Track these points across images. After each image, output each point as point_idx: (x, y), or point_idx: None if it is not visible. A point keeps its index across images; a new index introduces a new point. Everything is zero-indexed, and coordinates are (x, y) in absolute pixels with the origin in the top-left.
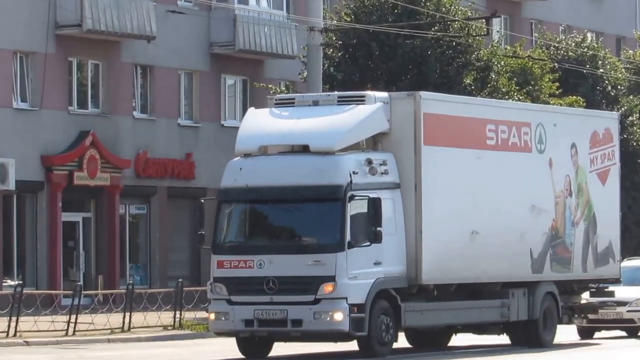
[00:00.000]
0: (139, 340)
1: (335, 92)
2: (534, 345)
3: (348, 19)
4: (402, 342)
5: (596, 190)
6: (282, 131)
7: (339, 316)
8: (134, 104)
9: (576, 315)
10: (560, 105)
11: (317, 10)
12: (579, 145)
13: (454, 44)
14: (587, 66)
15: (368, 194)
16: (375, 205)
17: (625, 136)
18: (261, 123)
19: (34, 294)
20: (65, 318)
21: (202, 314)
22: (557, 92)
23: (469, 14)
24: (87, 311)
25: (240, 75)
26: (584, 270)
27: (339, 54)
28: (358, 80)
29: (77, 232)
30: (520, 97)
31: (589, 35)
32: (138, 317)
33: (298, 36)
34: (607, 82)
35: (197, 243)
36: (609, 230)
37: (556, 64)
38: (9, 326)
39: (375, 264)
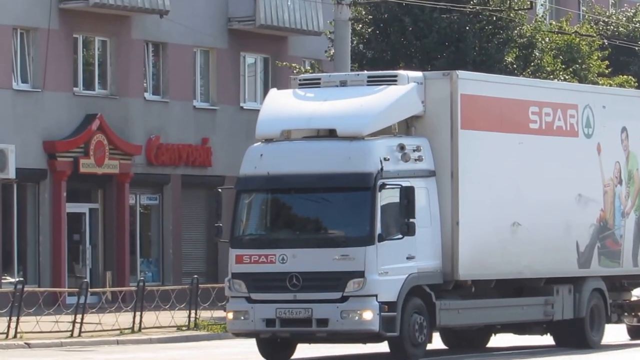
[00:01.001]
0: (150, 342)
1: (365, 72)
2: (580, 346)
3: None
4: (436, 343)
5: None
6: (306, 114)
7: (368, 315)
8: (145, 84)
9: (626, 314)
10: (610, 85)
11: None
12: (630, 129)
13: (495, 18)
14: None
15: (400, 183)
16: (408, 194)
17: None
18: (284, 105)
19: (36, 292)
20: (70, 318)
21: (219, 313)
22: (607, 72)
23: None
24: (93, 310)
25: (261, 54)
26: (634, 265)
27: (369, 30)
28: (390, 58)
29: (83, 225)
30: (566, 77)
31: None
32: (149, 317)
33: (324, 10)
34: None
35: (214, 236)
36: None
37: (605, 41)
38: (8, 327)
39: (407, 258)
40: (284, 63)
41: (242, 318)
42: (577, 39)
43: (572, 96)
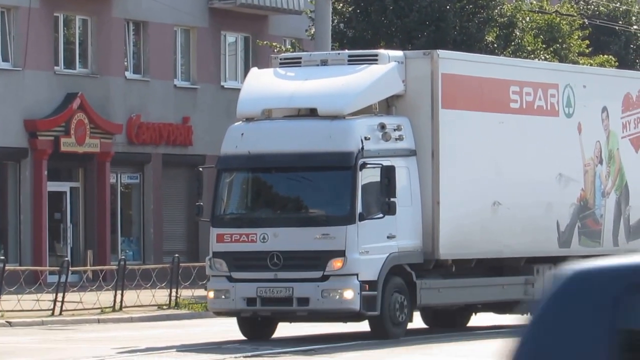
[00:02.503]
0: (131, 320)
1: (346, 51)
2: None
3: None
4: (417, 322)
5: (629, 158)
6: (287, 93)
7: (349, 294)
8: (125, 63)
9: None
10: (591, 65)
11: None
12: (610, 109)
13: None
14: (620, 22)
15: (381, 162)
16: (388, 173)
17: None
18: (265, 84)
19: (17, 271)
20: (51, 296)
21: (200, 292)
22: (587, 51)
23: None
24: (75, 289)
25: (241, 32)
26: (615, 245)
27: (350, 9)
28: (370, 37)
29: (64, 204)
30: (547, 56)
31: None
32: (130, 296)
33: None
34: None
35: (195, 215)
36: None
37: (586, 20)
38: None
39: (388, 237)
40: (265, 42)
41: (223, 297)
42: (558, 19)
43: (552, 76)
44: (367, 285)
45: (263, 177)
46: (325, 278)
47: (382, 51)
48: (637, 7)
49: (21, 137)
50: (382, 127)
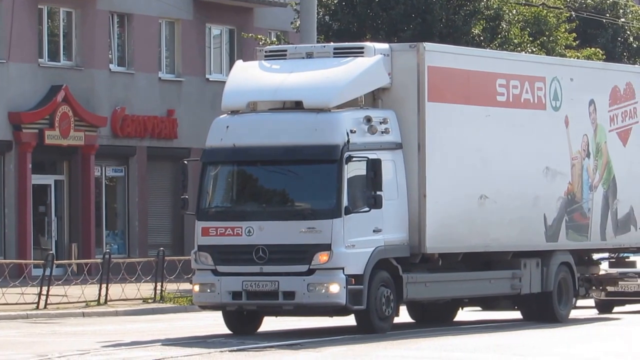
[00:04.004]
0: (116, 314)
1: (331, 44)
2: (548, 320)
3: None
4: (403, 316)
5: (616, 151)
6: (272, 86)
7: (335, 288)
8: (110, 56)
9: (594, 288)
10: (578, 58)
11: None
12: (597, 102)
13: None
14: (607, 15)
15: (367, 155)
16: (374, 167)
17: None
18: (250, 77)
19: (2, 264)
20: (35, 290)
21: (185, 286)
22: (574, 44)
23: None
24: (59, 282)
25: (226, 25)
26: (602, 239)
27: (335, 1)
28: (356, 30)
29: (49, 197)
30: (534, 49)
31: None
32: (115, 289)
33: None
34: (628, 32)
35: (180, 208)
36: (631, 194)
37: (573, 13)
38: None
39: (374, 231)
40: (250, 35)
41: (209, 290)
42: (545, 11)
43: (539, 68)
44: (353, 279)
45: (248, 170)
46: (311, 272)
47: (367, 44)
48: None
49: (5, 129)
50: (368, 120)
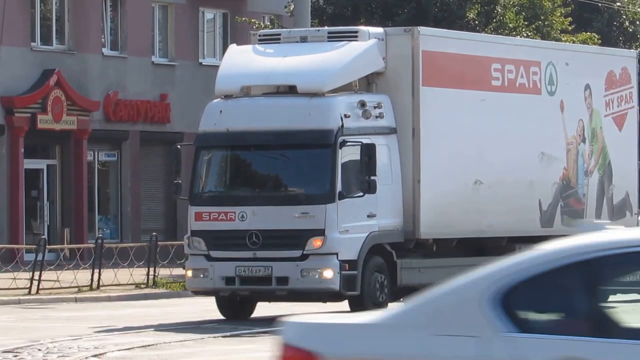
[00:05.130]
0: (109, 299)
1: (325, 28)
2: None
3: None
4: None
5: (612, 136)
6: (266, 70)
7: (328, 273)
8: (103, 40)
9: None
10: (573, 42)
11: None
12: (593, 87)
13: None
14: None
15: (361, 140)
16: (369, 151)
17: None
18: (243, 61)
19: None
20: (28, 275)
21: (178, 271)
22: (570, 28)
23: None
24: (52, 267)
25: (220, 9)
26: None
27: None
28: (350, 14)
29: (41, 181)
30: (529, 34)
31: None
32: (108, 274)
33: None
34: (624, 17)
35: (173, 193)
36: (626, 180)
37: None
38: None
39: (368, 216)
40: (244, 18)
41: (202, 276)
42: None
43: (534, 53)
44: (347, 265)
45: (242, 155)
46: (304, 257)
47: (362, 28)
48: None
49: None
50: (362, 104)
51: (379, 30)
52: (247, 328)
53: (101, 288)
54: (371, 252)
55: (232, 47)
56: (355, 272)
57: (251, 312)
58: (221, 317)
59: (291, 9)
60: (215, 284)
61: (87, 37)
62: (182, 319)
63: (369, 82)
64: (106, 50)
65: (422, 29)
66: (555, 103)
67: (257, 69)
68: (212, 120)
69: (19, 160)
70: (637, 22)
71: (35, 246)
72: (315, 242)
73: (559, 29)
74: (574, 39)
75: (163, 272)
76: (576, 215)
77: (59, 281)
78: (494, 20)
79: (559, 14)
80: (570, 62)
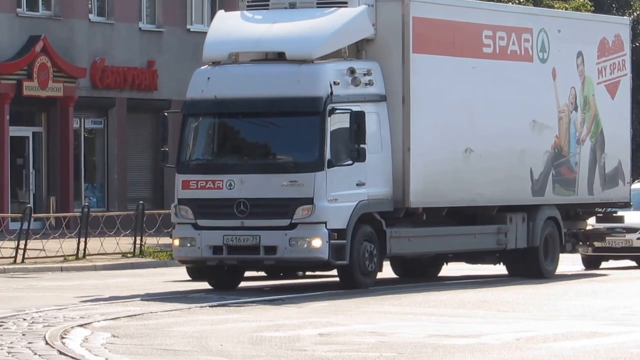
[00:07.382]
0: (95, 268)
1: None
2: (534, 275)
3: None
4: (387, 271)
5: (604, 104)
6: (255, 37)
7: (317, 243)
8: (89, 5)
9: (581, 243)
10: (566, 9)
11: None
12: (585, 54)
13: None
14: None
15: (350, 107)
16: (358, 119)
17: (637, 44)
18: (231, 27)
19: None
20: (13, 244)
21: (165, 240)
22: None
23: None
24: (37, 236)
25: None
26: (590, 193)
27: None
28: None
29: (27, 149)
30: (521, 0)
31: None
32: (94, 243)
33: None
34: None
35: (160, 161)
36: (619, 148)
37: None
38: None
39: (358, 185)
40: None
41: (189, 245)
42: None
43: (526, 20)
44: (335, 234)
45: (229, 123)
46: (293, 226)
47: None
48: None
49: None
50: (352, 71)
51: None
52: (234, 298)
53: (87, 257)
54: (360, 221)
55: (220, 13)
56: (344, 241)
57: (239, 282)
58: (209, 286)
59: None
60: (203, 253)
61: (73, 3)
62: (169, 288)
63: (358, 49)
64: (93, 17)
65: None
66: (547, 70)
67: (246, 36)
68: (199, 88)
69: (4, 128)
70: None
71: (20, 215)
72: (304, 211)
73: None
74: (566, 5)
75: (150, 241)
76: (568, 184)
77: (44, 250)
78: None
79: None
80: (562, 29)
